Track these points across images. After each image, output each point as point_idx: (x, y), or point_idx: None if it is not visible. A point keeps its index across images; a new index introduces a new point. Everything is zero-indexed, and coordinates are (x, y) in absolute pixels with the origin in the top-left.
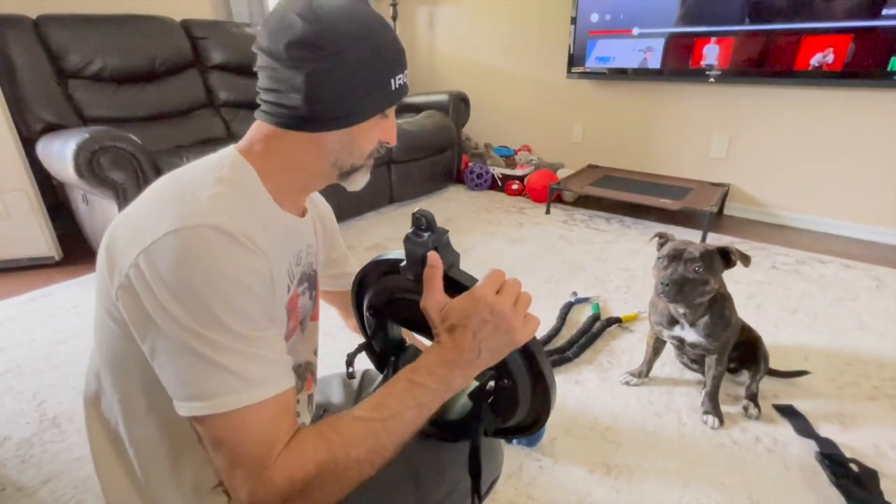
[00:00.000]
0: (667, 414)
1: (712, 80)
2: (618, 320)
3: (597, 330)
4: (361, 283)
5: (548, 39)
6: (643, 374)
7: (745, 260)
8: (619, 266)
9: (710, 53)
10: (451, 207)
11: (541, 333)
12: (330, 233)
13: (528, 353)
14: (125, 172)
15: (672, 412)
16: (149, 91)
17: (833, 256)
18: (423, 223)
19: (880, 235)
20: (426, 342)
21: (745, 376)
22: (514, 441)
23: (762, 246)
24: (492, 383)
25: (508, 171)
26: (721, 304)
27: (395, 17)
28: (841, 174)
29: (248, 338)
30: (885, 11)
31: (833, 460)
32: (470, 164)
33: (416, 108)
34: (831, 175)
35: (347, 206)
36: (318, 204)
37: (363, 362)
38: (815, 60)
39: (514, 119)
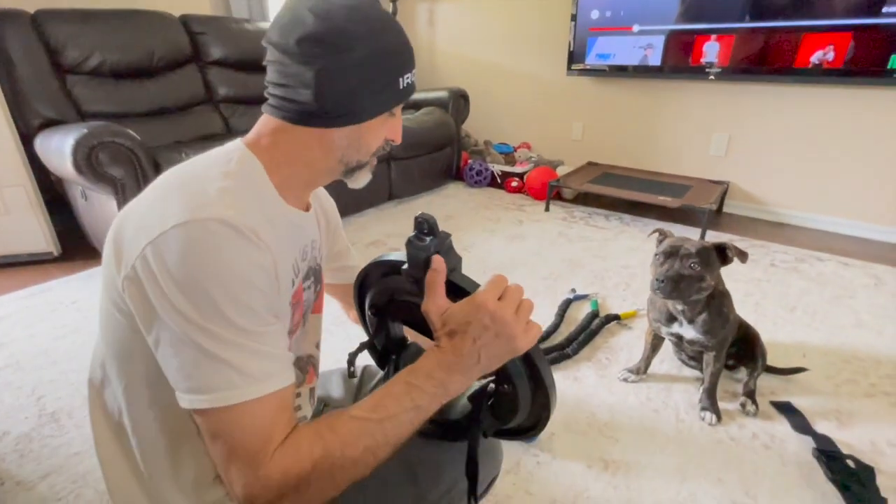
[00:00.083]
0: (665, 410)
1: (712, 77)
2: (616, 317)
3: (595, 327)
4: (363, 283)
5: (548, 36)
6: (641, 370)
7: (742, 256)
8: (618, 263)
9: (711, 51)
10: (450, 204)
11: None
12: (333, 227)
13: (529, 360)
14: (124, 168)
15: (670, 408)
16: (148, 87)
17: (832, 254)
18: (425, 227)
19: (879, 233)
20: (428, 341)
21: (742, 373)
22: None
23: (761, 244)
24: (492, 385)
25: (508, 169)
26: (719, 301)
27: (394, 13)
28: (840, 172)
29: (251, 333)
30: (885, 9)
31: (830, 456)
32: (469, 161)
33: (416, 105)
34: (831, 173)
35: (347, 203)
36: (322, 198)
37: (363, 358)
38: (816, 58)
39: (514, 116)
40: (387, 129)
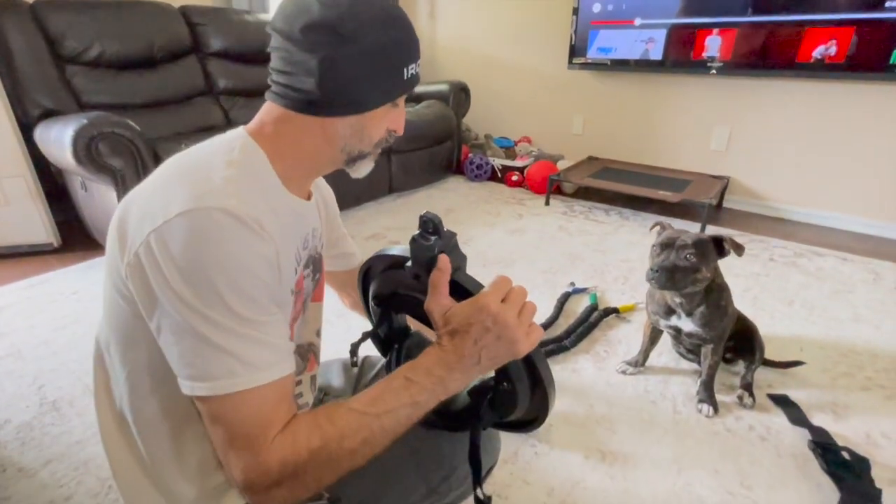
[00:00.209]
0: (662, 402)
1: (714, 71)
2: (615, 310)
3: (594, 320)
4: (367, 274)
5: (549, 30)
6: (640, 363)
7: (739, 249)
8: (617, 257)
9: (712, 45)
10: (450, 198)
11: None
12: (332, 215)
13: (530, 361)
14: (124, 159)
15: (667, 400)
16: (147, 78)
17: (831, 250)
18: (430, 227)
19: (879, 229)
20: (431, 331)
21: (740, 366)
22: None
23: (760, 238)
24: (492, 381)
25: (508, 163)
26: (718, 295)
27: None
28: (841, 168)
29: (252, 322)
30: (888, 4)
31: (825, 448)
32: (470, 154)
33: (417, 98)
34: (831, 169)
35: (347, 196)
36: (321, 186)
37: (363, 348)
38: (818, 53)
39: (515, 110)
40: (390, 120)
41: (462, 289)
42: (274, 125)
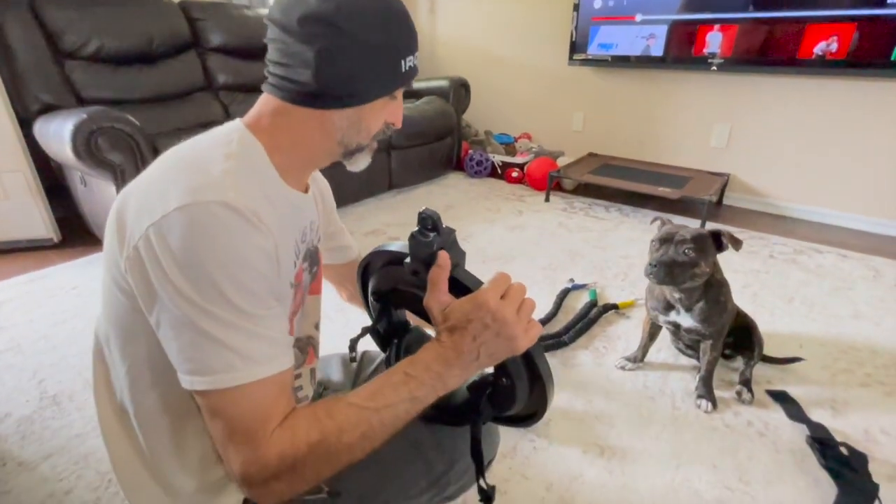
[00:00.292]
0: (661, 398)
1: (715, 68)
2: (614, 307)
3: (594, 316)
4: (366, 270)
5: (550, 26)
6: (639, 358)
7: (737, 243)
8: (617, 254)
9: (714, 41)
10: (450, 194)
11: (536, 317)
12: (329, 208)
13: (529, 358)
14: (123, 154)
15: (666, 396)
16: (147, 73)
17: (831, 247)
18: (429, 223)
19: (879, 226)
20: (430, 326)
21: (739, 362)
22: None
23: (760, 235)
24: (491, 377)
25: (508, 159)
26: (717, 290)
27: None
28: (841, 165)
29: (251, 316)
30: (890, 0)
31: (823, 444)
32: (470, 151)
33: (417, 94)
34: (832, 165)
35: (346, 192)
36: (318, 179)
37: (362, 343)
38: (819, 49)
39: (515, 106)
40: (387, 113)
41: (461, 285)
42: (271, 117)
